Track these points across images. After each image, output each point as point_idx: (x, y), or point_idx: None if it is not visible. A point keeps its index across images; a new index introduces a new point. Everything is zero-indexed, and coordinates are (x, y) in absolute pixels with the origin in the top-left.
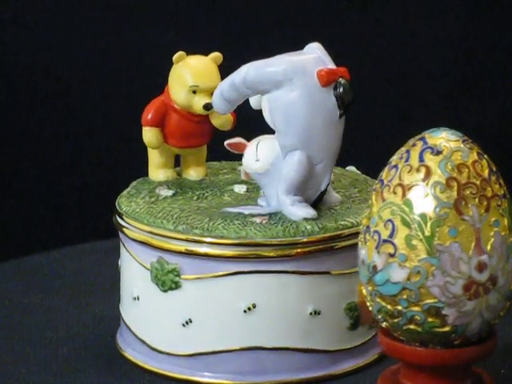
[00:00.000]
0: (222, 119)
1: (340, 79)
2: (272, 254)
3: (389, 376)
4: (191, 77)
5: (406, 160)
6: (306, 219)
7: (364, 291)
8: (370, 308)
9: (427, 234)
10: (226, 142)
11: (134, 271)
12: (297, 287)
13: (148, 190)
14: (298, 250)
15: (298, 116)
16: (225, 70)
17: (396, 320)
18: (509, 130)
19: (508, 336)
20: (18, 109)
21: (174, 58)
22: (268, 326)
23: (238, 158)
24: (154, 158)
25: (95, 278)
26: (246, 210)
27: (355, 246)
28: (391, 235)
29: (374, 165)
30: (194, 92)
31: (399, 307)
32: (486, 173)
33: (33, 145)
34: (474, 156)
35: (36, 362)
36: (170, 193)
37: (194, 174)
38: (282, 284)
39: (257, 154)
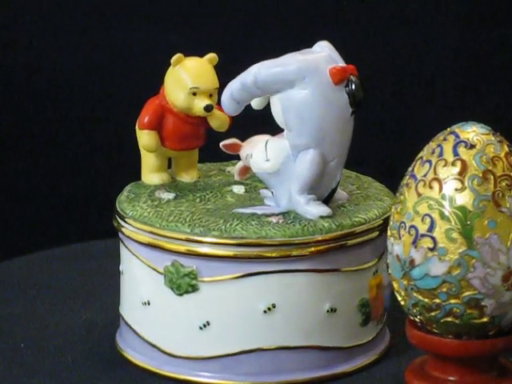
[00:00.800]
0: (219, 120)
1: (351, 77)
2: (292, 253)
3: (416, 368)
4: (191, 79)
5: (440, 155)
6: (322, 217)
7: (396, 286)
8: (403, 303)
9: (467, 227)
10: (221, 144)
11: (144, 276)
12: (315, 285)
13: (146, 193)
14: (317, 248)
15: (312, 115)
16: (225, 70)
17: (433, 313)
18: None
19: None
20: (18, 109)
21: (173, 60)
22: (287, 325)
23: (221, 159)
24: (149, 161)
25: (89, 279)
26: (259, 211)
27: (366, 242)
28: (430, 229)
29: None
30: (194, 94)
31: (437, 300)
32: None
33: (32, 145)
34: (505, 148)
35: (35, 368)
36: (171, 196)
37: (187, 176)
38: (300, 283)
39: (266, 153)
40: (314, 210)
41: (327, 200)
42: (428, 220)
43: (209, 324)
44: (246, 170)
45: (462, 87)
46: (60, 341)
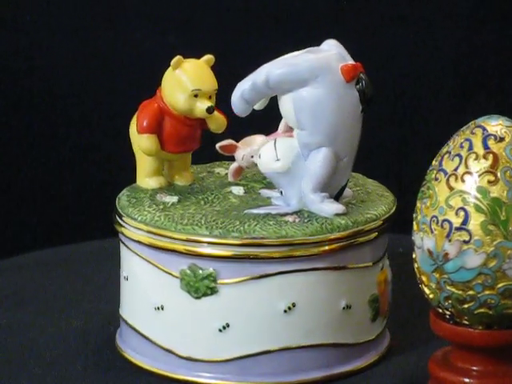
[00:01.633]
0: (218, 122)
1: (361, 74)
2: (313, 252)
3: (439, 359)
4: (192, 81)
5: (470, 148)
6: (337, 215)
7: (425, 280)
8: (431, 296)
9: (502, 218)
10: (217, 145)
11: (157, 281)
12: (332, 282)
13: (147, 197)
14: (335, 246)
15: (326, 113)
16: (226, 70)
17: (466, 305)
18: None
19: None
20: (17, 109)
21: (173, 62)
22: (306, 324)
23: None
24: (146, 165)
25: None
26: (272, 210)
27: (377, 238)
28: (464, 222)
29: None
30: (196, 96)
31: (472, 292)
32: None
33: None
34: None
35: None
36: (174, 199)
37: (182, 179)
38: (319, 281)
39: (276, 153)
40: (329, 207)
41: (337, 197)
42: (462, 213)
43: (228, 326)
44: (240, 171)
45: (461, 87)
46: (59, 350)
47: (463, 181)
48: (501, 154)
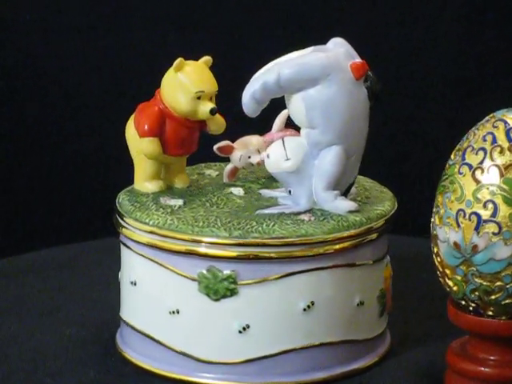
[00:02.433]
0: (218, 124)
1: (368, 71)
2: (332, 249)
3: (456, 349)
4: (196, 83)
5: (493, 141)
6: (350, 212)
7: (449, 273)
8: (455, 288)
9: None
10: (215, 147)
11: (172, 284)
12: (348, 279)
13: (149, 201)
14: (351, 243)
15: (338, 111)
16: (226, 71)
17: (494, 296)
18: None
19: None
20: (18, 109)
21: (175, 65)
22: (325, 321)
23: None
24: (146, 168)
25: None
26: (286, 210)
27: (385, 234)
28: (494, 215)
29: None
30: (199, 98)
31: (500, 283)
32: None
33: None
34: None
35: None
36: (180, 202)
37: (180, 182)
38: (336, 278)
39: (286, 152)
40: (343, 205)
41: (345, 195)
42: (491, 206)
43: (248, 327)
44: (236, 171)
45: (462, 87)
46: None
47: (490, 173)
48: None
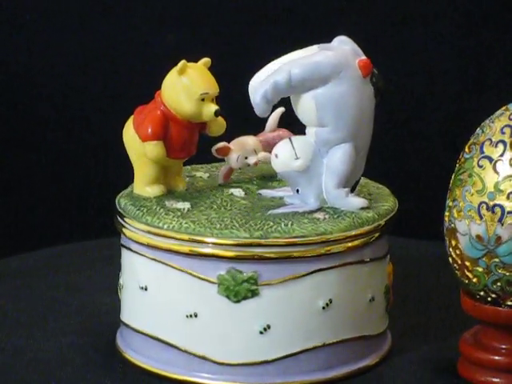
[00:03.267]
0: (219, 126)
1: (373, 69)
2: (351, 246)
3: (469, 339)
4: (200, 85)
5: None
6: (362, 208)
7: (469, 265)
8: (475, 280)
9: None
10: (213, 148)
11: (190, 288)
12: (362, 276)
13: (154, 205)
14: (365, 239)
15: (349, 109)
16: (227, 71)
17: None
18: None
19: None
20: (18, 108)
21: (179, 68)
22: (342, 318)
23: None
24: (148, 172)
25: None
26: (299, 209)
27: (388, 230)
28: None
29: None
30: (203, 100)
31: None
32: None
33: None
34: None
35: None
36: (187, 205)
37: (179, 185)
38: (351, 275)
39: (295, 152)
40: (356, 202)
41: (352, 191)
42: None
43: (269, 327)
44: (231, 172)
45: (461, 87)
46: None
47: (511, 165)
48: None
